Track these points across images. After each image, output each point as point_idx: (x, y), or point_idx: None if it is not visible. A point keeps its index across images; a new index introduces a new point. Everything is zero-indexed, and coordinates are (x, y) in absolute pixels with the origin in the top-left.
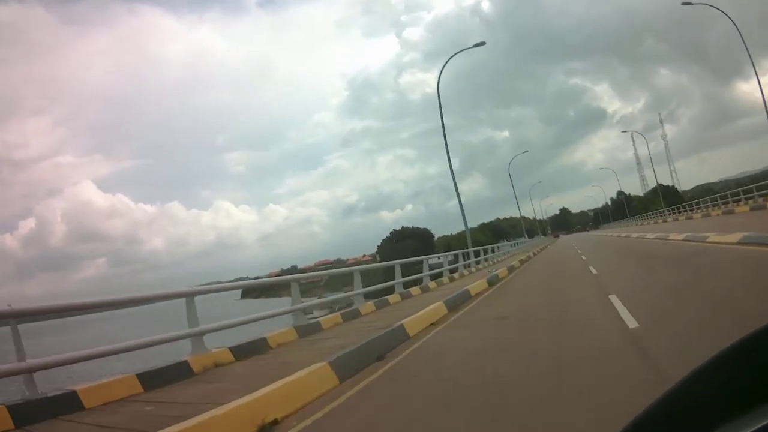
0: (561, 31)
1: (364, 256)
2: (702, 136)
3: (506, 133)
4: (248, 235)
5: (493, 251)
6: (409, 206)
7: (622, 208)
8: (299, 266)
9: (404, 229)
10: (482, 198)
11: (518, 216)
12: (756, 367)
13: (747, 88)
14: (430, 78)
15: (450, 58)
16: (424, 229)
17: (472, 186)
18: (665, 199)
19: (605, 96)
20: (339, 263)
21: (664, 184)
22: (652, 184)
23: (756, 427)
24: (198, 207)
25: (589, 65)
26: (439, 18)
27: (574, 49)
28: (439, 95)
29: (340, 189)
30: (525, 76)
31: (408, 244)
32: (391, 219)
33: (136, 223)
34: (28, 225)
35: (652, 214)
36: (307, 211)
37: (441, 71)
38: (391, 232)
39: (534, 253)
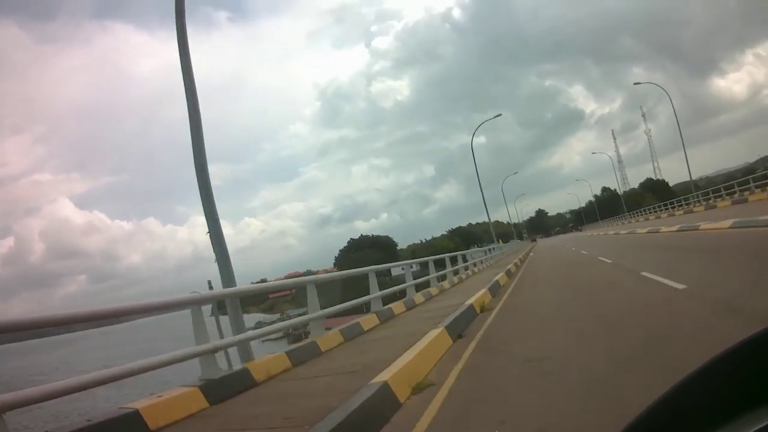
0: (533, 34)
1: (335, 267)
2: (679, 134)
3: (482, 139)
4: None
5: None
6: (384, 215)
7: (611, 204)
8: (269, 279)
9: (363, 238)
10: (459, 205)
11: (496, 220)
12: (756, 368)
13: (723, 84)
14: (401, 85)
15: None
16: (386, 237)
17: (448, 193)
18: (655, 194)
19: (580, 97)
20: (309, 275)
21: (643, 183)
22: (632, 183)
23: (755, 429)
24: (174, 222)
25: (563, 66)
26: (409, 27)
27: (547, 51)
28: None
29: (315, 200)
30: (499, 79)
31: (368, 255)
32: (366, 228)
33: (114, 240)
34: (7, 244)
35: (643, 210)
36: (282, 223)
37: None
38: (348, 242)
39: (513, 268)
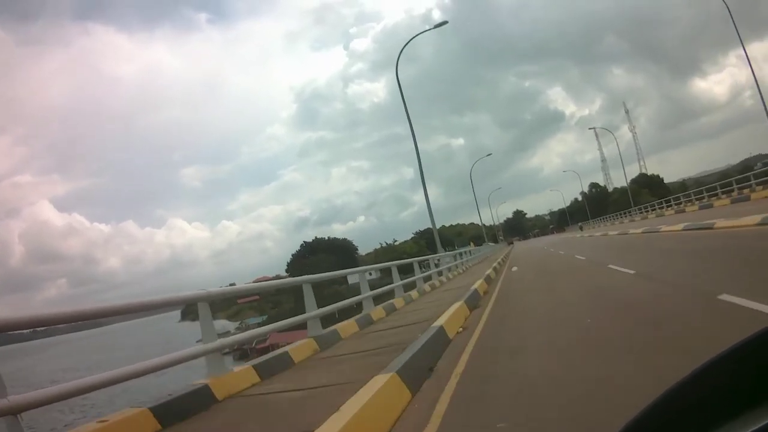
0: (514, 35)
1: (287, 273)
2: (661, 136)
3: (461, 141)
4: (201, 252)
5: None
6: (362, 218)
7: (601, 202)
8: (239, 283)
9: (317, 241)
10: (437, 207)
11: (471, 222)
12: (756, 368)
13: (705, 86)
14: (377, 88)
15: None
16: (343, 239)
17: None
18: (651, 191)
19: (560, 98)
20: (278, 280)
21: (627, 184)
22: (617, 183)
23: (754, 428)
24: (152, 225)
25: (543, 68)
26: (388, 28)
27: (526, 52)
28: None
29: (294, 203)
30: (478, 82)
31: (322, 260)
32: (342, 231)
33: (93, 243)
34: None
35: (638, 209)
36: (259, 226)
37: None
38: (301, 245)
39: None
